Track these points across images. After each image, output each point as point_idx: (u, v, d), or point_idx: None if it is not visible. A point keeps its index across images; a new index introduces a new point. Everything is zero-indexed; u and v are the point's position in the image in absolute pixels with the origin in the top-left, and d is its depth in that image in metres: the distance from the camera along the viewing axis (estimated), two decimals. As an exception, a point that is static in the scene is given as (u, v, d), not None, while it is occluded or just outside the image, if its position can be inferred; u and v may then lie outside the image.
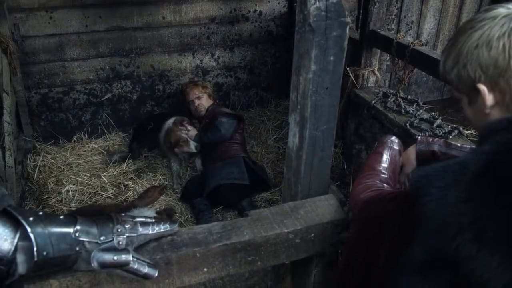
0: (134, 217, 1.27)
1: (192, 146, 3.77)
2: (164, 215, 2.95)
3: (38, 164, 3.86)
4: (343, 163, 3.97)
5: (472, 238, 0.80)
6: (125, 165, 3.98)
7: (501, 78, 0.92)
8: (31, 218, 1.06)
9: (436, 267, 0.88)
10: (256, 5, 4.43)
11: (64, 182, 3.71)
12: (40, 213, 1.11)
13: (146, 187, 3.61)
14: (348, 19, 1.30)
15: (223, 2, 4.30)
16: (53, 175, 3.81)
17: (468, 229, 0.81)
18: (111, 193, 3.65)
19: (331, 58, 1.33)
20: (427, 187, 0.90)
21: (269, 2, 4.45)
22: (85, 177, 3.79)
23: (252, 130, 4.56)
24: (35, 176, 3.77)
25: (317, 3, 1.25)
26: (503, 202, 0.79)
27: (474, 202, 0.82)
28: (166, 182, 3.81)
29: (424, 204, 0.89)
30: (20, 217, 1.05)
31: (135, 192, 3.63)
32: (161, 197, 3.43)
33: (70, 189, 3.62)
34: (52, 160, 3.96)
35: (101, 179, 3.78)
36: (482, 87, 0.94)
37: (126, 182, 3.77)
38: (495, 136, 0.88)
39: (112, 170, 3.91)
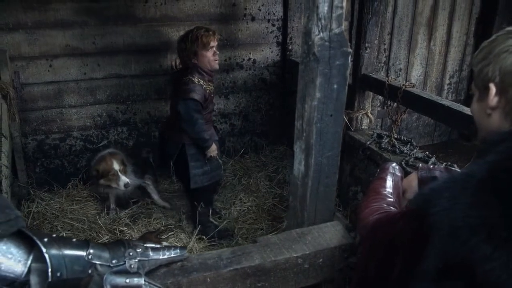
0: (144, 242, 1.28)
1: (122, 183, 3.49)
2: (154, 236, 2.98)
3: (32, 211, 3.81)
4: (339, 206, 3.97)
5: (486, 238, 0.82)
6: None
7: (511, 88, 0.98)
8: (45, 239, 1.07)
9: (450, 276, 0.89)
10: (250, 53, 4.57)
11: (59, 228, 3.66)
12: (54, 235, 1.12)
13: (142, 232, 3.58)
14: (350, 49, 1.37)
15: (218, 50, 4.42)
16: (47, 221, 3.75)
17: (480, 230, 0.83)
18: (107, 239, 3.60)
19: (335, 86, 1.39)
20: (435, 199, 0.93)
21: (262, 50, 4.60)
22: (80, 223, 3.74)
23: (246, 181, 4.54)
24: (29, 222, 3.71)
25: (321, 34, 1.32)
26: (509, 204, 0.82)
27: (482, 206, 0.85)
28: (162, 227, 3.77)
29: (434, 215, 0.91)
30: (35, 238, 1.05)
31: (131, 238, 3.58)
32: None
33: (65, 235, 3.56)
34: (47, 207, 3.91)
35: (97, 225, 3.73)
36: (492, 87, 1.00)
37: (121, 228, 3.72)
38: (496, 147, 0.93)
39: (107, 216, 3.87)
